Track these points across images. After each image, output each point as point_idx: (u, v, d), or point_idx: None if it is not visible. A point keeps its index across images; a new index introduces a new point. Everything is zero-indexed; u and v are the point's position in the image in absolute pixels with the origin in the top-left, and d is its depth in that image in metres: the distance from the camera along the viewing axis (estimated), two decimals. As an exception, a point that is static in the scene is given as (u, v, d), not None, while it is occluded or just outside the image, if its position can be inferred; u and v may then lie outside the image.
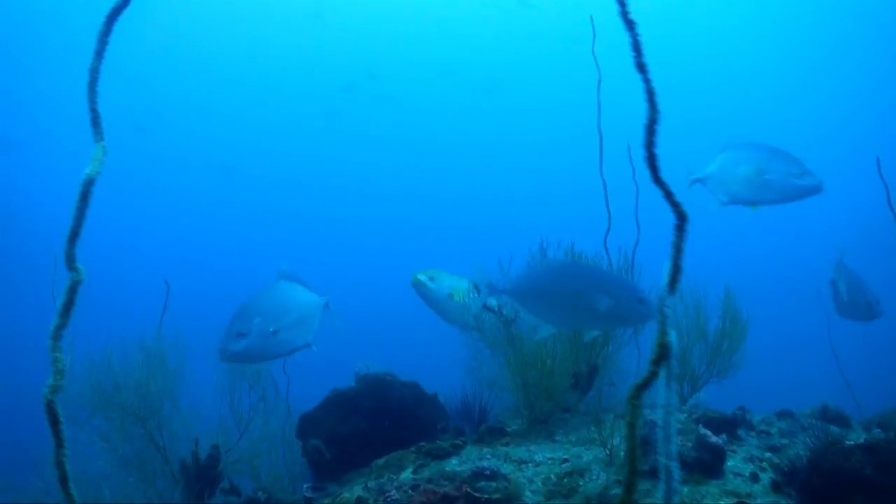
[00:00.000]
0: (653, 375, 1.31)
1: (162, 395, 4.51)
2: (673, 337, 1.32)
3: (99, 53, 1.34)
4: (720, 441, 3.40)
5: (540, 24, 18.62)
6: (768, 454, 3.80)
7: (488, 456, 3.84)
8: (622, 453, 3.55)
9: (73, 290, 1.34)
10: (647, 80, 1.32)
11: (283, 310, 4.30)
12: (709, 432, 3.42)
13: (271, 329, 4.18)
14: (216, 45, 19.67)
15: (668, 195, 1.33)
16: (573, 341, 4.50)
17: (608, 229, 5.06)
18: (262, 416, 4.84)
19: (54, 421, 1.34)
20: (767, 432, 4.18)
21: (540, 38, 19.16)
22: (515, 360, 4.32)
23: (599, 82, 5.33)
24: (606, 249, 4.93)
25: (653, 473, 3.39)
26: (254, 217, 25.49)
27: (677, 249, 1.32)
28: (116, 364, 4.63)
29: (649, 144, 1.31)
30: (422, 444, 4.01)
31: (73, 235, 1.32)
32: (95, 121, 1.34)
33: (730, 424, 3.95)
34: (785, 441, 4.01)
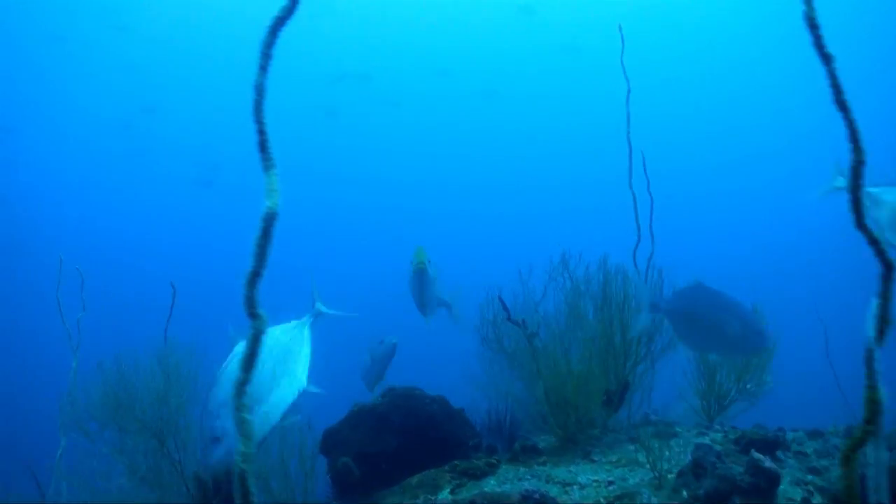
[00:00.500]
0: (867, 434, 1.21)
1: (180, 408, 4.34)
2: (884, 393, 1.21)
3: (263, 68, 1.21)
4: (774, 466, 3.32)
5: (541, 32, 18.60)
6: (811, 476, 3.73)
7: (528, 477, 3.74)
8: (670, 476, 3.46)
9: (255, 341, 1.20)
10: (850, 121, 1.21)
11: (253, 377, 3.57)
12: (762, 457, 3.34)
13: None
14: (211, 43, 19.45)
15: (874, 242, 1.22)
16: (604, 357, 4.43)
17: (637, 242, 4.99)
18: (278, 429, 4.68)
19: (245, 493, 1.17)
20: (804, 453, 4.12)
21: (541, 45, 19.14)
22: (548, 376, 4.21)
23: (629, 94, 5.25)
24: (636, 262, 4.86)
25: (707, 499, 3.32)
26: (248, 217, 25.18)
27: (885, 300, 1.22)
28: (130, 373, 4.45)
29: (855, 189, 1.20)
30: (456, 462, 3.90)
31: (255, 277, 1.18)
32: (264, 145, 1.20)
33: (771, 446, 3.89)
34: (824, 462, 3.96)
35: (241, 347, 3.65)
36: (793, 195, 23.34)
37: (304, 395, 5.06)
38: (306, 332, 3.92)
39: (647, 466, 3.61)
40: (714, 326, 3.50)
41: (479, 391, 5.85)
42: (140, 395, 4.34)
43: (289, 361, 3.71)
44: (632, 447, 4.12)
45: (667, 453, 3.75)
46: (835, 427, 4.92)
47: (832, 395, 7.14)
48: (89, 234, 22.74)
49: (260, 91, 1.24)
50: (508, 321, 4.99)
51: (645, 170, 5.71)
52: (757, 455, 3.37)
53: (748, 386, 4.71)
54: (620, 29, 5.24)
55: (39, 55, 18.54)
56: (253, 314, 1.19)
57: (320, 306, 4.10)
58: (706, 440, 4.18)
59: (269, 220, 1.19)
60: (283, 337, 3.81)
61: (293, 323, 3.94)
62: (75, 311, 5.74)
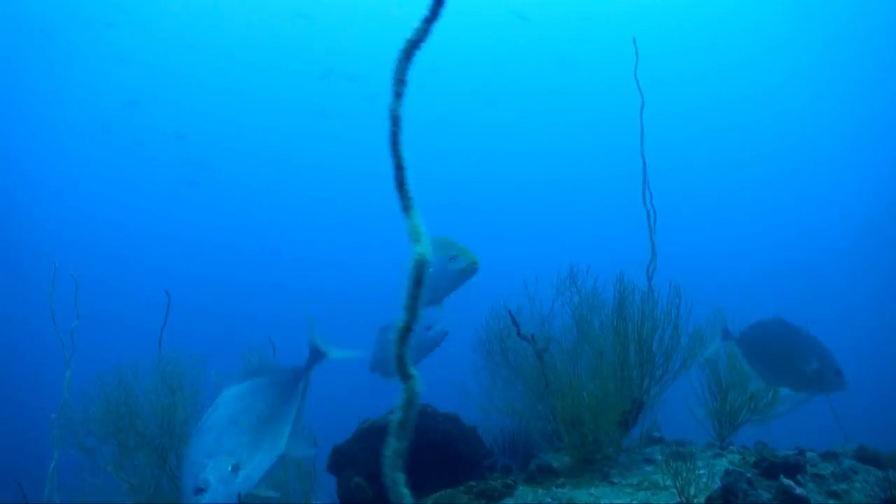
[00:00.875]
0: None
1: (184, 424, 4.20)
2: None
3: (398, 95, 1.10)
4: (804, 493, 3.27)
5: (535, 40, 18.56)
6: (832, 501, 3.69)
7: (547, 499, 3.64)
8: (696, 502, 3.39)
9: (409, 405, 1.09)
10: None
11: (238, 434, 3.29)
12: (792, 483, 3.28)
13: (229, 468, 3.21)
14: (201, 41, 19.26)
15: None
16: (619, 376, 4.35)
17: (651, 259, 4.93)
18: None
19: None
20: (821, 476, 4.07)
21: (533, 53, 19.11)
22: (564, 394, 4.13)
23: (642, 107, 5.18)
24: (649, 279, 4.80)
25: (738, 526, 3.25)
26: (237, 215, 24.95)
27: None
28: (131, 384, 4.31)
29: None
30: (472, 483, 3.79)
31: (406, 332, 1.06)
32: (402, 182, 1.09)
33: (793, 470, 3.83)
34: (843, 486, 3.91)
35: (225, 396, 3.41)
36: (789, 198, 23.57)
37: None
38: (300, 386, 3.50)
39: (670, 490, 3.54)
40: (789, 361, 3.48)
41: (476, 405, 5.77)
42: (142, 409, 4.20)
43: (273, 421, 3.38)
44: (649, 468, 4.06)
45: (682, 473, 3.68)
46: (843, 447, 4.90)
47: (822, 409, 7.16)
48: (72, 233, 22.38)
49: (396, 121, 1.12)
50: (518, 336, 4.92)
51: (647, 185, 5.66)
52: (787, 481, 3.31)
53: (761, 405, 4.67)
54: (634, 42, 5.18)
55: (23, 49, 18.23)
56: (405, 375, 1.08)
57: (319, 346, 3.56)
58: (724, 462, 4.13)
59: (419, 268, 1.08)
60: (269, 393, 3.45)
61: (287, 371, 3.55)
62: (62, 302, 5.56)
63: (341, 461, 4.16)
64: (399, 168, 1.12)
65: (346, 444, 4.24)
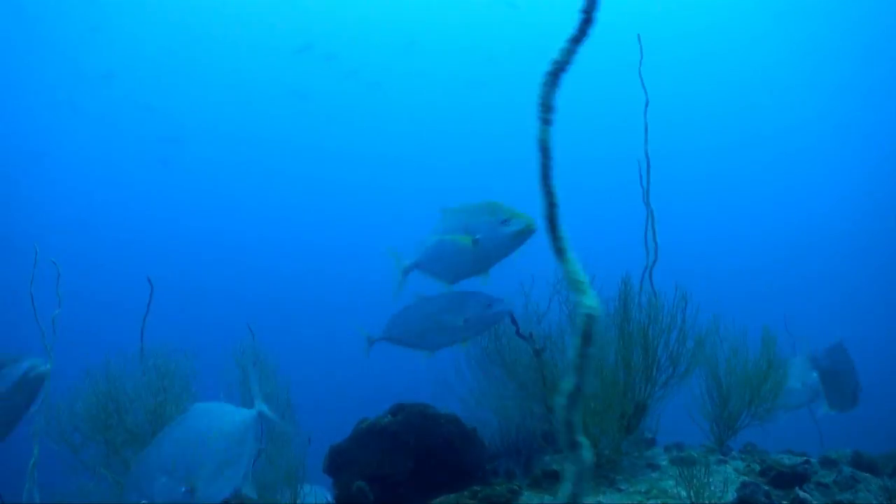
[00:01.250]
0: None
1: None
2: None
3: (546, 122, 0.97)
4: (820, 505, 3.23)
5: (526, 28, 18.39)
6: (839, 511, 3.67)
7: (555, 506, 3.57)
8: (708, 512, 3.34)
9: (580, 479, 0.98)
10: None
11: (199, 454, 3.18)
12: (807, 496, 3.25)
13: (183, 489, 3.06)
14: (181, 17, 18.85)
15: None
16: (624, 380, 4.28)
17: (654, 262, 4.86)
18: (276, 444, 4.40)
19: None
20: (824, 485, 4.04)
21: (525, 42, 18.91)
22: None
23: (647, 105, 5.09)
24: (651, 283, 4.72)
25: (755, 540, 3.21)
26: (214, 196, 24.51)
27: None
28: (119, 379, 4.14)
29: None
30: (475, 488, 3.69)
31: (576, 395, 0.96)
32: (553, 221, 0.96)
33: (800, 479, 3.80)
34: (847, 496, 3.89)
35: (194, 410, 3.42)
36: (785, 192, 23.73)
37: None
38: (249, 431, 3.53)
39: (680, 497, 3.48)
40: (847, 384, 3.60)
41: (458, 399, 5.66)
42: (131, 408, 4.03)
43: (233, 451, 3.37)
44: (654, 474, 4.00)
45: (694, 481, 3.63)
46: (838, 453, 4.89)
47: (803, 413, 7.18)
48: (50, 215, 21.80)
49: (546, 152, 0.99)
50: (517, 335, 4.82)
51: (642, 182, 5.57)
52: (803, 494, 3.28)
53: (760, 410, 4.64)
54: (639, 39, 5.08)
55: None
56: (574, 443, 0.97)
57: (261, 406, 3.65)
58: (729, 468, 4.08)
59: (589, 324, 0.96)
60: (231, 423, 3.45)
61: (242, 415, 3.55)
62: (40, 288, 5.35)
63: (338, 462, 4.03)
64: (551, 206, 0.99)
65: (343, 445, 4.11)
